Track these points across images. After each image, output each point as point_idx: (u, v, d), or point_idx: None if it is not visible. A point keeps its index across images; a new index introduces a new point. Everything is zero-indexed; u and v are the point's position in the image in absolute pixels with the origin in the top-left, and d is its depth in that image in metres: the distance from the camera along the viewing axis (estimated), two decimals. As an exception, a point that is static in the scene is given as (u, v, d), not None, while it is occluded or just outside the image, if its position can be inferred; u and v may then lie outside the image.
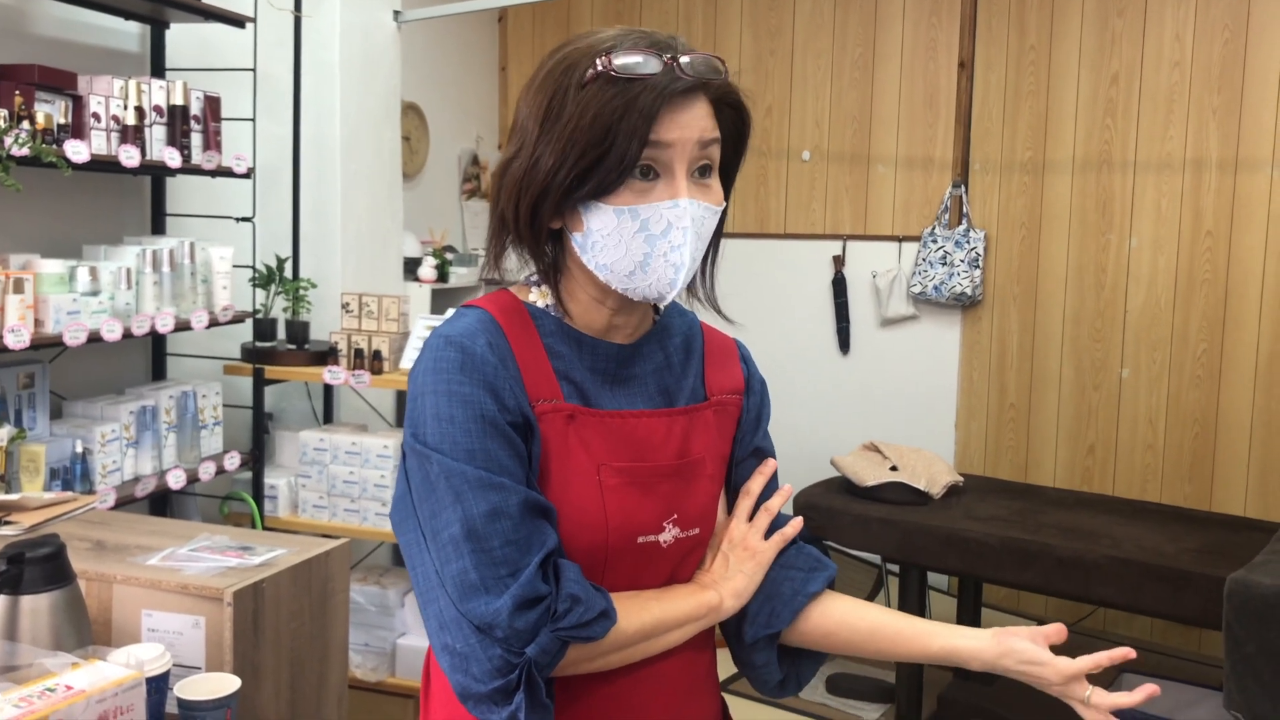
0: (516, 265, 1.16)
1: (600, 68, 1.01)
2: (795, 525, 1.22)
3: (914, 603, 3.30)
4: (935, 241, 4.33)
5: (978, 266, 4.27)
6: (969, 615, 3.62)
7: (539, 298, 1.14)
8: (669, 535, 1.13)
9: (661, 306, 1.18)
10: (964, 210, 4.34)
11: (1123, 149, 4.08)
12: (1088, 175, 4.15)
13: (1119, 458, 4.16)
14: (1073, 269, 4.20)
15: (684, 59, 1.03)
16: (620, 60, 1.01)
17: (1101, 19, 4.08)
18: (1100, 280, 4.16)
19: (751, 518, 1.21)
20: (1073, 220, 4.20)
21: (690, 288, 1.16)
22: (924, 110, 4.40)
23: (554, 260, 1.12)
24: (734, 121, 1.10)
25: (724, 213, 1.12)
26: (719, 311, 1.21)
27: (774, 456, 1.26)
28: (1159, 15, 3.98)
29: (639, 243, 1.04)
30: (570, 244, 1.09)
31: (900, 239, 4.46)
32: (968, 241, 4.28)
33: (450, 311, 1.21)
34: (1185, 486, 4.03)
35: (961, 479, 3.57)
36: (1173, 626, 3.99)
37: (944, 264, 4.30)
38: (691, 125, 1.03)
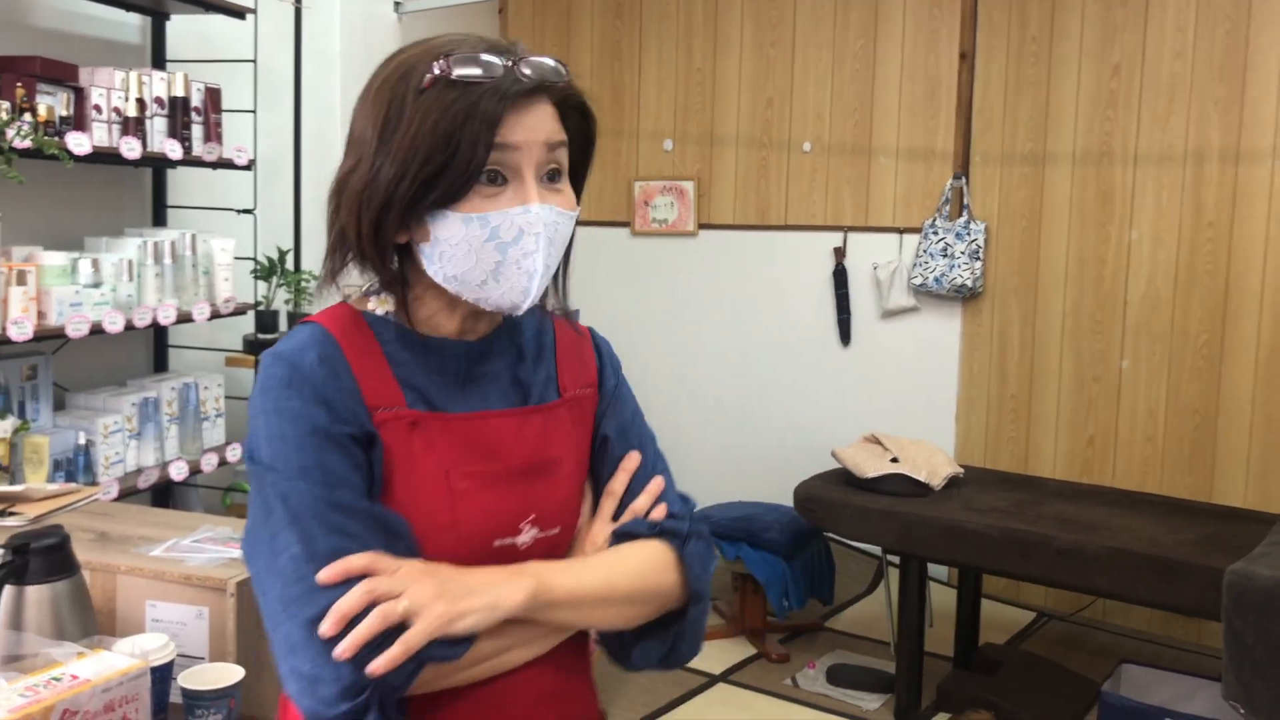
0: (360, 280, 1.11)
1: (439, 71, 0.98)
2: (630, 512, 1.15)
3: (914, 594, 3.31)
4: (936, 233, 4.33)
5: (978, 258, 4.27)
6: (969, 606, 3.63)
7: (378, 305, 1.09)
8: (527, 536, 1.08)
9: (515, 315, 1.10)
10: (965, 202, 4.33)
11: (1124, 140, 4.07)
12: (1088, 167, 4.15)
13: (1119, 449, 4.17)
14: (1073, 261, 4.20)
15: (523, 62, 1.00)
16: (460, 64, 0.97)
17: (1103, 10, 4.08)
18: (1101, 272, 4.16)
19: (617, 518, 1.15)
20: (1073, 212, 4.20)
21: (544, 300, 1.12)
22: (925, 102, 4.40)
23: (400, 274, 1.08)
24: (580, 125, 1.08)
25: (576, 221, 1.08)
26: (572, 323, 1.20)
27: (643, 447, 1.19)
28: (1161, 6, 3.98)
29: (489, 251, 1.00)
30: (417, 256, 1.05)
31: (901, 231, 4.46)
32: (968, 233, 4.28)
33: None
34: (1185, 478, 4.04)
35: (962, 470, 3.58)
36: (1172, 617, 4.00)
37: (945, 256, 4.30)
38: (537, 127, 1.01)
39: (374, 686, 0.94)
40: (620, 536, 1.13)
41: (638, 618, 1.11)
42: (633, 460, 1.17)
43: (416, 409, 1.05)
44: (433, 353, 1.08)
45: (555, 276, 1.11)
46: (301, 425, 1.00)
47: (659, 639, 1.13)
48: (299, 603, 0.96)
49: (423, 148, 0.97)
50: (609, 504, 1.15)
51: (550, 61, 1.03)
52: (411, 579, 0.96)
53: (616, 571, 1.09)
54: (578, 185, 1.11)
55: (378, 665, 0.92)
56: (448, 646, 0.97)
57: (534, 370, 1.14)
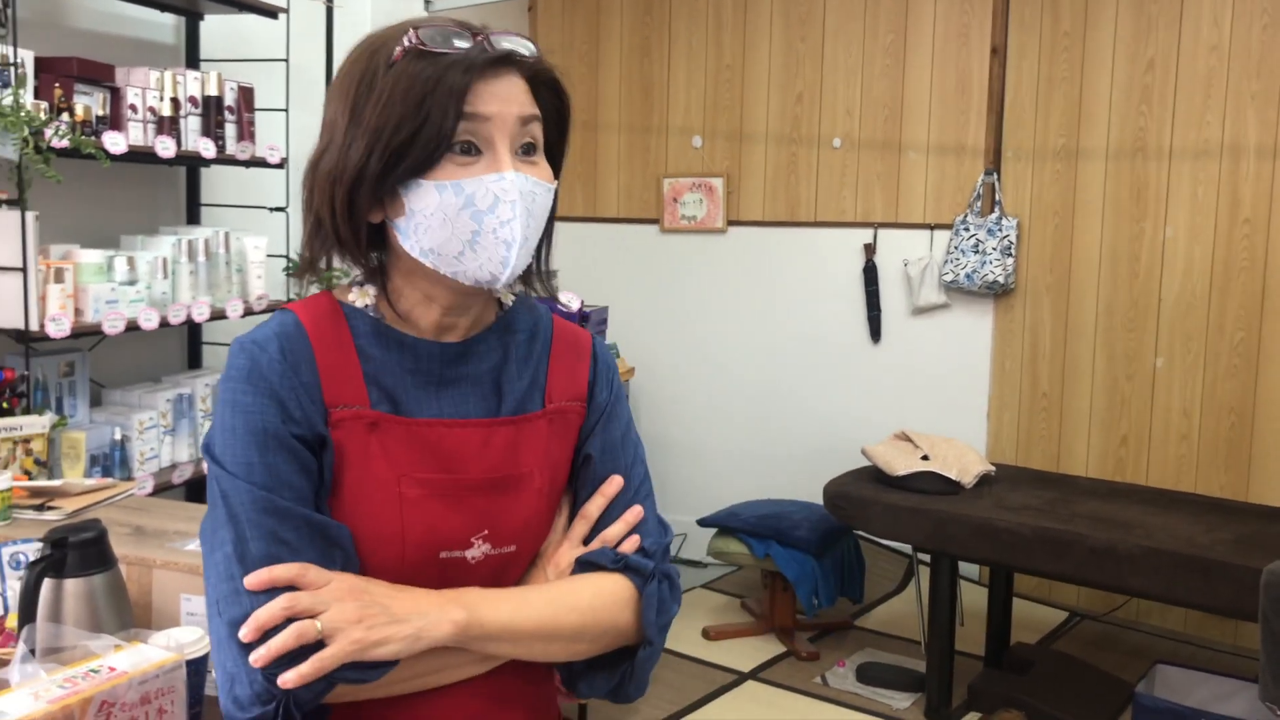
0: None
1: (409, 43, 0.98)
2: (600, 539, 1.10)
3: (945, 593, 3.29)
4: (967, 229, 4.30)
5: (1010, 254, 4.24)
6: (1000, 605, 3.60)
7: (359, 297, 1.08)
8: (478, 551, 1.05)
9: (497, 289, 1.08)
10: (996, 198, 4.30)
11: (1158, 135, 4.03)
12: (1122, 162, 4.11)
13: (1153, 448, 4.12)
14: (1106, 257, 4.16)
15: (493, 36, 1.00)
16: (429, 36, 0.98)
17: (1137, 3, 4.03)
18: (1134, 269, 4.11)
19: (588, 542, 1.11)
20: (1107, 208, 4.16)
21: (524, 277, 1.09)
22: (956, 97, 4.37)
23: (380, 263, 1.07)
24: (553, 103, 1.07)
25: (556, 195, 1.07)
26: (555, 300, 1.17)
27: (628, 470, 1.14)
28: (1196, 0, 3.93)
29: (465, 220, 0.98)
30: (394, 238, 1.03)
31: (932, 227, 4.43)
32: (1000, 229, 4.25)
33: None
34: (1221, 477, 3.99)
35: (993, 468, 3.55)
36: (1207, 617, 3.95)
37: (976, 252, 4.27)
38: (509, 99, 1.00)
39: (282, 698, 0.94)
40: (583, 565, 1.09)
41: (583, 654, 1.07)
42: (613, 485, 1.12)
43: (379, 410, 1.03)
44: (408, 351, 1.06)
45: (538, 256, 1.08)
46: (251, 421, 0.99)
47: (607, 674, 1.09)
48: (225, 602, 0.96)
49: (393, 117, 0.96)
50: (580, 527, 1.11)
51: (519, 37, 1.02)
52: (335, 598, 0.95)
53: (564, 606, 1.04)
54: (555, 164, 1.09)
55: (287, 680, 0.92)
56: (362, 670, 0.95)
57: (518, 376, 1.10)
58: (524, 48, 1.02)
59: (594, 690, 1.10)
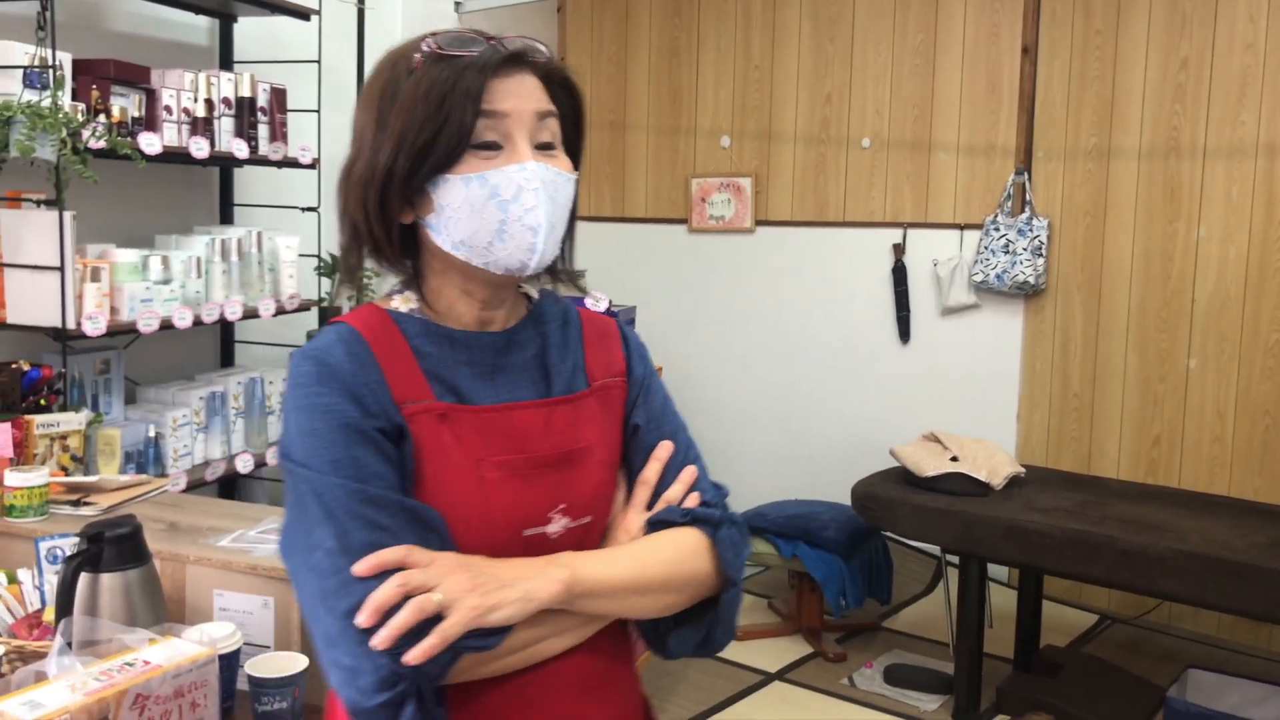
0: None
1: (427, 49, 1.04)
2: (663, 500, 1.16)
3: (974, 594, 3.27)
4: (998, 229, 4.27)
5: (1041, 255, 4.21)
6: (1030, 607, 3.58)
7: (402, 303, 1.13)
8: (558, 526, 1.09)
9: (525, 276, 1.11)
10: (1027, 198, 4.27)
11: (1192, 135, 3.98)
12: (1155, 162, 4.07)
13: (1185, 450, 4.08)
14: (1139, 258, 4.12)
15: (506, 41, 1.06)
16: (445, 42, 1.04)
17: (1171, 1, 3.99)
18: (1167, 269, 4.07)
19: (651, 506, 1.16)
20: (1139, 208, 4.12)
21: (550, 268, 1.15)
22: (986, 96, 4.34)
23: (415, 268, 1.12)
24: (568, 101, 1.12)
25: (576, 192, 1.12)
26: (580, 289, 1.22)
27: (674, 435, 1.19)
28: (1231, -3, 3.89)
29: (492, 210, 1.04)
30: (427, 239, 1.09)
31: (962, 227, 4.41)
32: (1031, 229, 4.22)
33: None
34: (1255, 479, 3.94)
35: (1023, 470, 3.53)
36: (1241, 622, 3.91)
37: (1006, 252, 4.24)
38: (524, 96, 1.06)
39: (411, 676, 0.95)
40: (654, 525, 1.13)
41: (672, 606, 1.11)
42: (665, 449, 1.17)
43: (445, 401, 1.07)
44: (459, 345, 1.10)
45: (561, 250, 1.13)
46: (332, 420, 1.02)
47: (694, 626, 1.14)
48: (335, 596, 0.97)
49: (417, 118, 1.02)
50: (642, 492, 1.16)
51: (530, 40, 1.08)
52: (446, 571, 0.97)
53: (650, 560, 1.09)
54: (574, 161, 1.13)
55: (413, 655, 0.94)
56: (483, 637, 0.98)
57: (561, 359, 1.16)
58: (536, 48, 1.08)
59: (683, 645, 1.14)
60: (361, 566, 0.96)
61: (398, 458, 1.04)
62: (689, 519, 1.13)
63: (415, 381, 1.07)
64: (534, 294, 1.20)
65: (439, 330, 1.11)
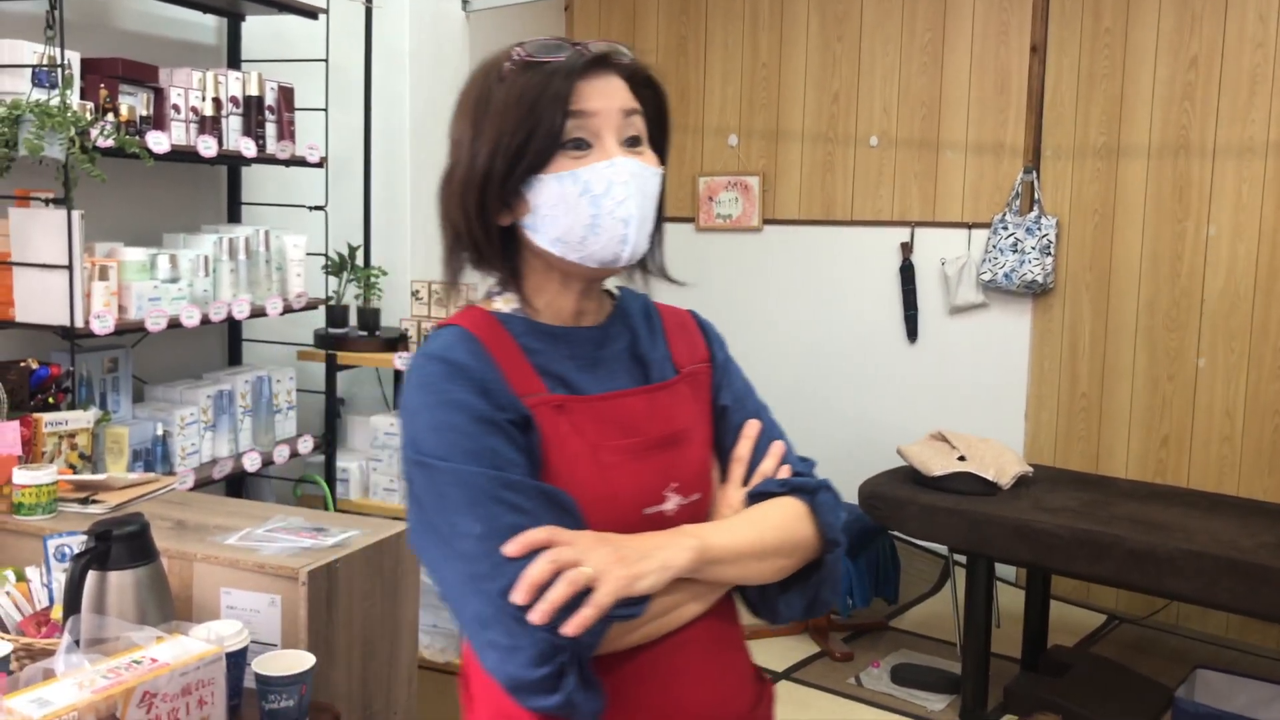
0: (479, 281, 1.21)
1: (516, 58, 1.10)
2: (759, 474, 1.22)
3: (981, 594, 3.27)
4: (1006, 228, 4.26)
5: (1049, 254, 4.20)
6: (1037, 607, 3.57)
7: (503, 304, 1.19)
8: (673, 504, 1.16)
9: (616, 270, 1.17)
10: (1035, 196, 4.26)
11: (1201, 133, 3.97)
12: (1164, 160, 4.05)
13: (1194, 449, 4.07)
14: (1148, 257, 4.11)
15: (591, 43, 1.12)
16: (534, 49, 1.10)
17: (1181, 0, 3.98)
18: (1176, 268, 4.06)
19: (746, 482, 1.22)
20: (1148, 207, 4.10)
21: (641, 263, 1.21)
22: (995, 95, 4.33)
23: (512, 264, 1.17)
24: (652, 99, 1.17)
25: (664, 181, 1.18)
26: (670, 279, 1.26)
27: (759, 414, 1.27)
28: (1241, -5, 3.87)
29: (584, 205, 1.10)
30: (525, 239, 1.15)
31: (970, 226, 4.40)
32: (1039, 228, 4.21)
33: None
34: (1264, 480, 3.93)
35: (1031, 469, 3.52)
36: (1249, 622, 3.90)
37: (1015, 251, 4.23)
38: (611, 95, 1.11)
39: (569, 648, 1.01)
40: (755, 497, 1.20)
41: (784, 570, 1.18)
42: (753, 427, 1.25)
43: (558, 394, 1.14)
44: (561, 340, 1.17)
45: (651, 244, 1.19)
46: (467, 413, 1.07)
47: (800, 590, 1.20)
48: (488, 578, 1.02)
49: (510, 120, 1.08)
50: (738, 469, 1.22)
51: (614, 43, 1.14)
52: (590, 547, 1.03)
53: (763, 527, 1.16)
54: (660, 155, 1.19)
55: (571, 626, 0.99)
56: (629, 606, 1.04)
57: (651, 349, 1.23)
58: (619, 52, 1.14)
59: (792, 609, 1.21)
60: (512, 547, 1.01)
61: (526, 446, 1.09)
62: (787, 488, 1.21)
63: (528, 376, 1.13)
64: (615, 292, 1.27)
65: (541, 327, 1.17)
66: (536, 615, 0.99)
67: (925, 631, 4.02)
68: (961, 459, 3.42)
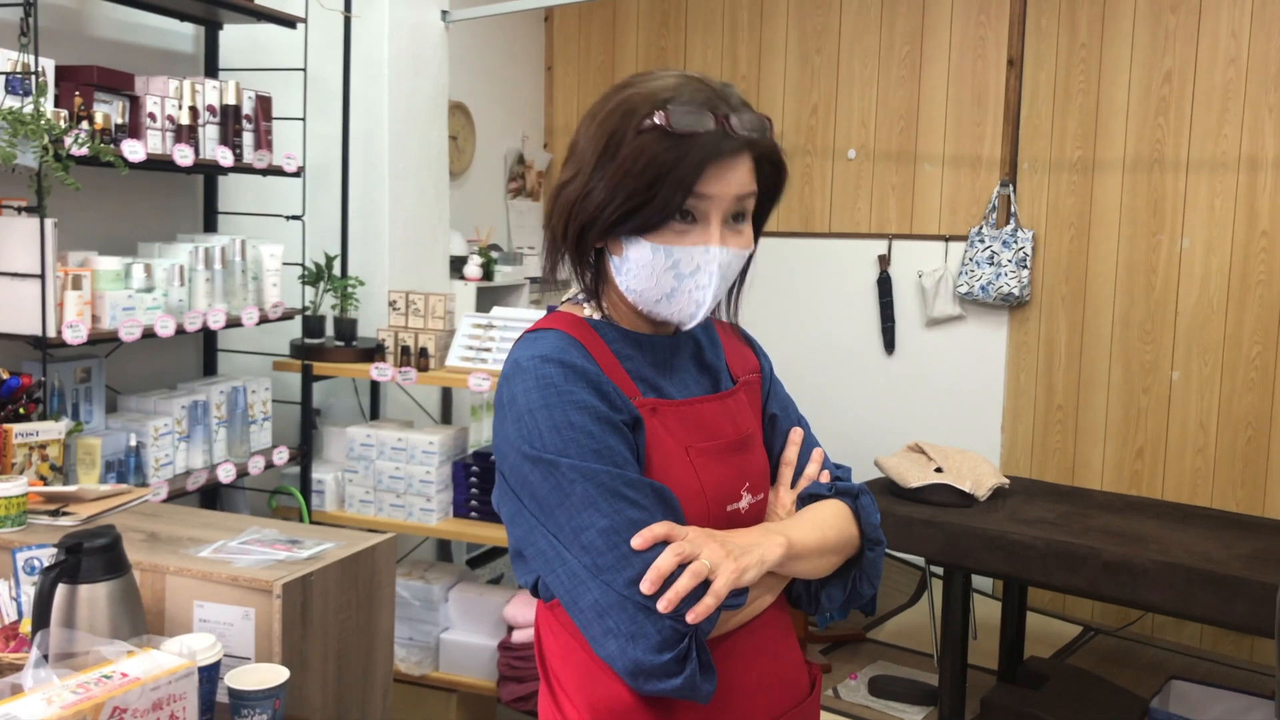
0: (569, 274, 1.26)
1: (658, 121, 1.11)
2: (805, 478, 1.32)
3: (958, 606, 3.27)
4: (982, 241, 4.29)
5: (1025, 266, 4.23)
6: (1014, 619, 3.58)
7: (592, 311, 1.24)
8: (746, 501, 1.24)
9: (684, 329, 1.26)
10: (1012, 209, 4.29)
11: (1175, 148, 4.01)
12: (1139, 174, 4.09)
13: (1169, 461, 4.10)
14: (1123, 270, 4.15)
15: (734, 119, 1.13)
16: (677, 116, 1.11)
17: (1155, 15, 4.02)
18: (1151, 281, 4.10)
19: (793, 484, 1.32)
20: (1123, 220, 4.14)
21: (715, 313, 1.28)
22: (972, 109, 4.36)
23: (596, 271, 1.22)
24: (772, 177, 1.21)
25: (752, 255, 1.24)
26: (741, 332, 1.37)
27: (800, 422, 1.38)
28: (1214, 12, 3.92)
29: (669, 278, 1.16)
30: (607, 262, 1.20)
31: (947, 238, 4.43)
32: (1015, 241, 4.24)
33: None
34: (1237, 491, 3.96)
35: (1007, 481, 3.53)
36: (1223, 633, 3.92)
37: (991, 264, 4.26)
38: (732, 181, 1.14)
39: (691, 634, 1.08)
40: (805, 499, 1.30)
41: (835, 565, 1.27)
42: (798, 434, 1.35)
43: (650, 398, 1.21)
44: (645, 347, 1.24)
45: (729, 298, 1.28)
46: (588, 413, 1.13)
47: (839, 584, 1.29)
48: (613, 569, 1.08)
49: (630, 184, 1.12)
50: (787, 472, 1.33)
51: (758, 119, 1.17)
52: (703, 541, 1.11)
53: (826, 527, 1.25)
54: (759, 223, 1.25)
55: (696, 614, 1.06)
56: (737, 596, 1.12)
57: (715, 359, 1.31)
58: (760, 133, 1.16)
59: (833, 601, 1.30)
60: (639, 540, 1.08)
61: (634, 445, 1.16)
62: (834, 492, 1.30)
63: (625, 380, 1.20)
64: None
65: (629, 334, 1.23)
66: (664, 604, 1.05)
67: (902, 643, 4.03)
68: (938, 470, 3.43)
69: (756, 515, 1.27)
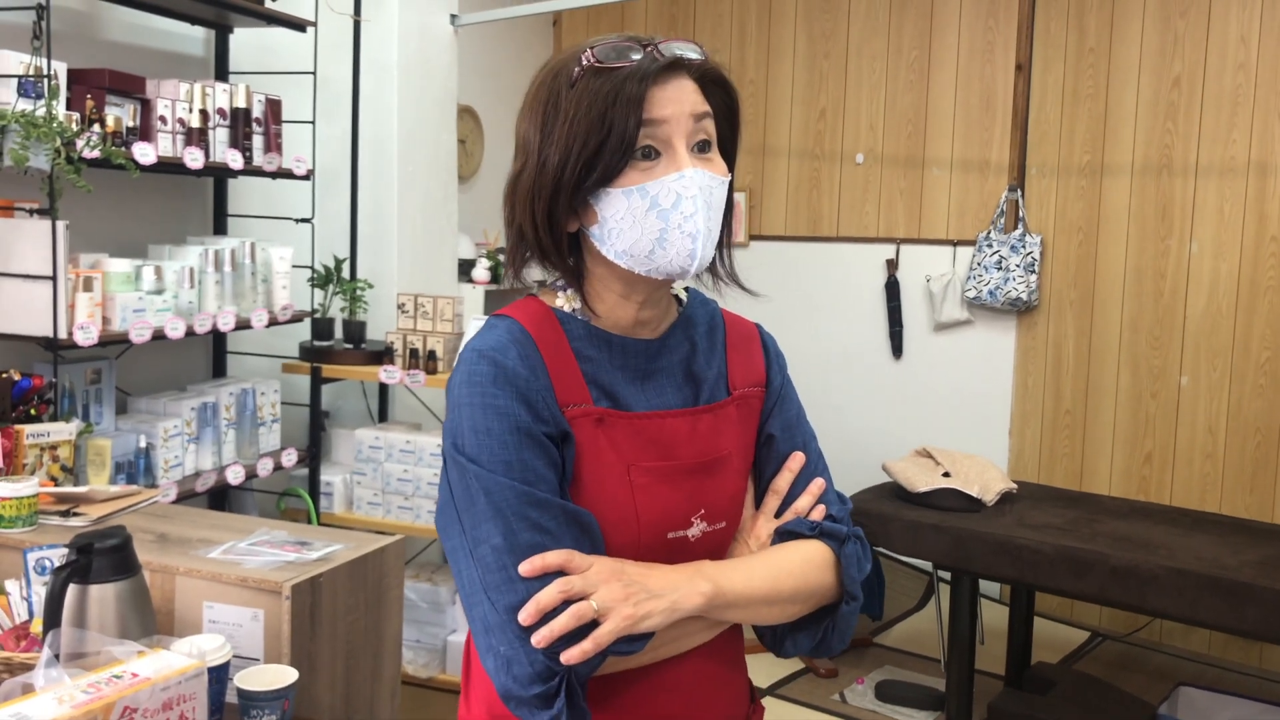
0: (540, 274, 1.20)
1: (585, 63, 1.07)
2: (792, 511, 1.21)
3: (965, 611, 3.27)
4: (990, 246, 4.29)
5: (1034, 271, 4.22)
6: (1021, 624, 3.58)
7: (565, 302, 1.17)
8: (697, 530, 1.15)
9: (685, 283, 1.18)
10: (1020, 214, 4.29)
11: (1184, 152, 4.01)
12: (1147, 179, 4.09)
13: (1177, 467, 4.09)
14: (1131, 274, 4.14)
15: (663, 45, 1.09)
16: (604, 52, 1.07)
17: (1163, 20, 4.02)
18: (1159, 286, 4.09)
19: (779, 515, 1.21)
20: (1131, 225, 4.13)
21: (711, 268, 1.19)
22: (980, 113, 4.36)
23: (576, 266, 1.16)
24: (723, 99, 1.14)
25: (731, 186, 1.15)
26: (741, 286, 1.24)
27: (805, 446, 1.25)
28: (1223, 16, 3.91)
29: (652, 220, 1.08)
30: (590, 244, 1.13)
31: (955, 243, 4.42)
32: (1024, 246, 4.23)
33: (475, 322, 1.22)
34: (1246, 497, 3.95)
35: (1015, 486, 3.53)
36: (1232, 639, 3.91)
37: (999, 268, 4.26)
38: (681, 100, 1.08)
39: (563, 672, 1.02)
40: (783, 535, 1.19)
41: (795, 615, 1.17)
42: (797, 461, 1.23)
43: (601, 406, 1.13)
44: (616, 349, 1.15)
45: (720, 249, 1.18)
46: (506, 422, 1.07)
47: (811, 632, 1.19)
48: (498, 590, 1.04)
49: (580, 131, 1.06)
50: (773, 501, 1.22)
51: (690, 44, 1.11)
52: (602, 579, 1.04)
53: (782, 572, 1.15)
54: (728, 157, 1.17)
55: (570, 657, 1.00)
56: (629, 642, 1.05)
57: (707, 367, 1.21)
58: (691, 51, 1.10)
59: (799, 648, 1.21)
60: (527, 567, 1.03)
61: (559, 461, 1.09)
62: (816, 531, 1.19)
63: (577, 384, 1.12)
64: (683, 295, 1.25)
65: (598, 333, 1.15)
66: (538, 639, 1.00)
67: (910, 648, 4.02)
68: (946, 475, 3.43)
69: (711, 545, 1.16)
